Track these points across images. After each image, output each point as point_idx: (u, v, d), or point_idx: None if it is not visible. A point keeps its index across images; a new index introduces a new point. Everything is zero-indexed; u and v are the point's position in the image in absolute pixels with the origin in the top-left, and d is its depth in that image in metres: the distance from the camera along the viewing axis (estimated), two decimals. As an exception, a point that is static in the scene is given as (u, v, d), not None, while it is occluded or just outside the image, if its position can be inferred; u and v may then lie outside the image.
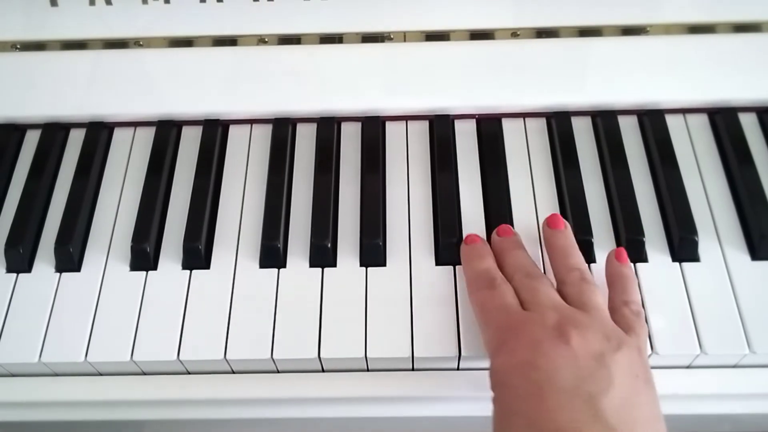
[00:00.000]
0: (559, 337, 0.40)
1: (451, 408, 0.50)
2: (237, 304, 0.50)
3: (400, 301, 0.50)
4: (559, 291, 0.45)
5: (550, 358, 0.39)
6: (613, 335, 0.41)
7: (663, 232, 0.53)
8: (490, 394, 0.48)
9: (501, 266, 0.48)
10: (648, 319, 0.47)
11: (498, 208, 0.53)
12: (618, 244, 0.52)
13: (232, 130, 0.60)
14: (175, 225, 0.54)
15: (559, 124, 0.58)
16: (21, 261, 0.53)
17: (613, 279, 0.47)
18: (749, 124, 0.58)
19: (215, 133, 0.59)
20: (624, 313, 0.44)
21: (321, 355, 0.48)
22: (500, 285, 0.46)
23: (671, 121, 0.58)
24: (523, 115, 0.59)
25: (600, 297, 0.45)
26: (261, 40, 0.59)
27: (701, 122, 0.58)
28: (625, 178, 0.54)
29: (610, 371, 0.38)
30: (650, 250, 0.51)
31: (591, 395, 0.37)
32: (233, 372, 0.50)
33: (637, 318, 0.44)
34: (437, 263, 0.52)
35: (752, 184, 0.54)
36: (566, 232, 0.49)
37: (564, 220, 0.49)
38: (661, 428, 0.39)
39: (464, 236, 0.50)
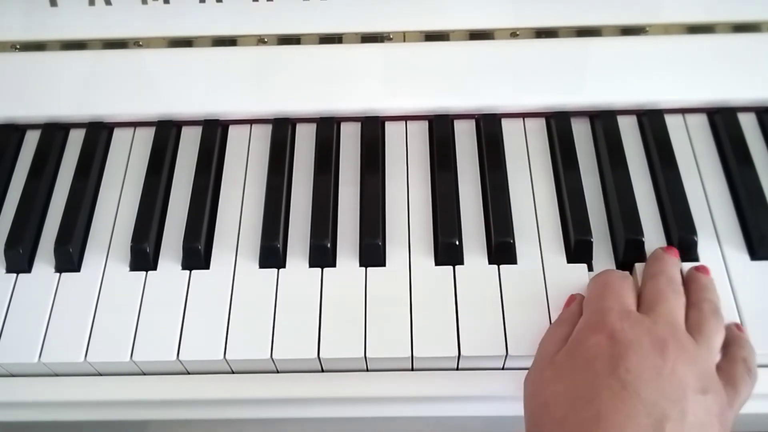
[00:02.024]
0: (660, 351, 0.40)
1: (450, 408, 0.50)
2: (236, 305, 0.50)
3: (399, 301, 0.50)
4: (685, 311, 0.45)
5: (643, 366, 0.39)
6: (706, 376, 0.41)
7: (662, 232, 0.53)
8: (491, 393, 0.49)
9: (646, 272, 0.48)
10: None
11: (497, 208, 0.53)
12: (615, 244, 0.52)
13: (232, 130, 0.60)
14: (175, 225, 0.54)
15: (558, 124, 0.58)
16: (21, 261, 0.53)
17: (736, 337, 0.46)
18: (748, 124, 0.58)
19: (215, 133, 0.59)
20: (739, 368, 0.43)
21: (320, 356, 0.48)
22: (631, 284, 0.45)
23: (670, 121, 0.58)
24: (523, 115, 0.59)
25: (720, 338, 0.44)
26: (261, 40, 0.59)
27: (700, 122, 0.59)
28: (625, 178, 0.54)
29: (686, 408, 0.38)
30: (649, 251, 0.51)
31: (663, 418, 0.38)
32: (233, 372, 0.50)
33: (750, 378, 0.43)
34: (437, 263, 0.52)
35: (751, 184, 0.54)
36: (710, 278, 0.48)
37: (708, 271, 0.49)
38: None
39: None
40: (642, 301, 0.45)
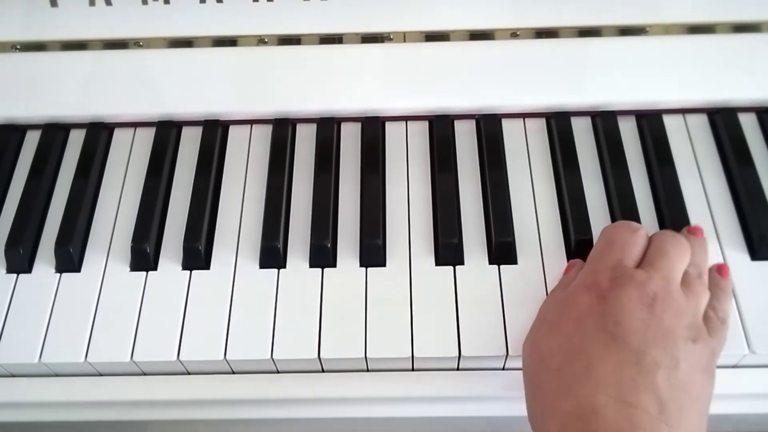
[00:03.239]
0: (648, 304, 0.42)
1: (450, 408, 0.50)
2: (237, 305, 0.50)
3: (399, 301, 0.50)
4: None
5: (631, 318, 0.41)
6: (695, 327, 0.43)
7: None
8: (492, 393, 0.49)
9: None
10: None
11: (498, 208, 0.53)
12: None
13: (232, 130, 0.60)
14: (175, 225, 0.54)
15: (558, 124, 0.58)
16: (21, 261, 0.53)
17: (709, 287, 0.48)
18: (749, 124, 0.58)
19: (215, 133, 0.59)
20: (710, 315, 0.45)
21: (321, 356, 0.48)
22: (641, 236, 0.46)
23: (671, 121, 0.58)
24: (523, 116, 0.59)
25: (705, 298, 0.46)
26: (261, 41, 0.59)
27: (701, 122, 0.59)
28: (625, 178, 0.54)
29: (677, 355, 0.40)
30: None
31: (654, 365, 0.40)
32: (233, 372, 0.50)
33: (721, 324, 0.45)
34: (437, 263, 0.52)
35: (752, 185, 0.54)
36: (702, 241, 0.49)
37: (702, 232, 0.50)
38: (704, 424, 0.41)
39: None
40: (645, 256, 0.46)
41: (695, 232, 0.49)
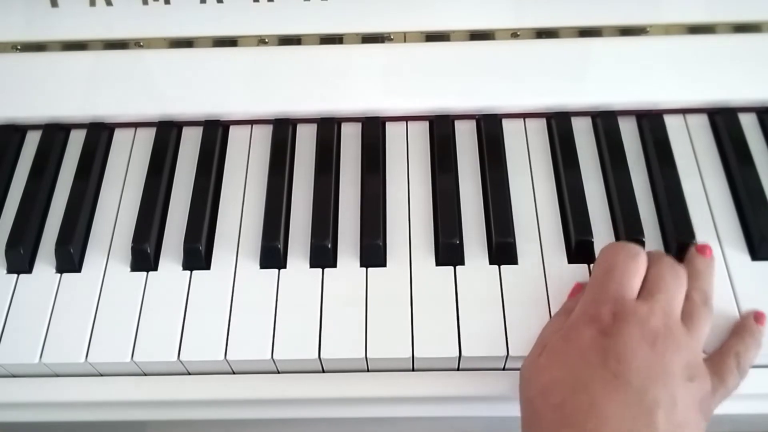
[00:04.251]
0: (650, 343, 0.42)
1: (450, 408, 0.50)
2: (237, 305, 0.50)
3: (400, 301, 0.50)
4: None
5: (633, 357, 0.41)
6: (693, 365, 0.42)
7: (660, 231, 0.53)
8: (492, 393, 0.49)
9: (652, 255, 0.47)
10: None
11: (498, 209, 0.53)
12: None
13: (233, 130, 0.60)
14: (176, 226, 0.54)
15: (559, 124, 0.58)
16: (22, 261, 0.53)
17: (742, 332, 0.47)
18: (749, 124, 0.58)
19: (215, 133, 0.59)
20: (729, 361, 0.45)
21: (321, 356, 0.48)
22: (641, 262, 0.46)
23: (671, 121, 0.58)
24: (523, 116, 0.59)
25: (707, 328, 0.45)
26: (261, 41, 0.59)
27: (701, 122, 0.58)
28: (625, 178, 0.54)
29: (675, 393, 0.40)
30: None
31: (654, 404, 0.40)
32: (233, 372, 0.50)
33: (738, 372, 0.45)
34: (437, 263, 0.52)
35: (752, 185, 0.54)
36: (710, 261, 0.49)
37: (710, 252, 0.49)
38: None
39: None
40: (644, 285, 0.45)
41: (703, 252, 0.49)
